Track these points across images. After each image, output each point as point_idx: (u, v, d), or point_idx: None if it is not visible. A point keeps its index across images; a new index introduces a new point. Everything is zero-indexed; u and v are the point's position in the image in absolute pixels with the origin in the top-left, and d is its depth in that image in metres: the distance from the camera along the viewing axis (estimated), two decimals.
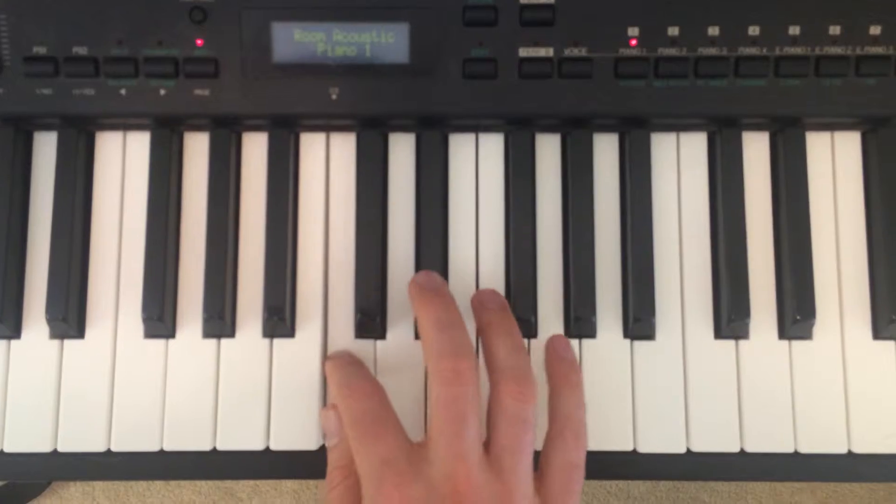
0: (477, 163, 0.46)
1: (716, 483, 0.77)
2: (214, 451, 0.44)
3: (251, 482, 0.78)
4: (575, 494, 0.39)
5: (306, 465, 0.44)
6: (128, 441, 0.44)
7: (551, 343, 0.43)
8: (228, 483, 0.77)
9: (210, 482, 0.77)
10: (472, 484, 0.36)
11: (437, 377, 0.38)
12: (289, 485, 0.78)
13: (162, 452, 0.44)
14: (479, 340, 0.42)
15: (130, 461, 0.44)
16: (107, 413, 0.44)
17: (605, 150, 0.46)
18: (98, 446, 0.44)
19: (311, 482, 0.78)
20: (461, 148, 0.46)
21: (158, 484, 0.76)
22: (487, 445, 0.39)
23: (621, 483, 0.73)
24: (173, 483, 0.76)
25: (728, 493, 0.78)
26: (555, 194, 0.46)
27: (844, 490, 0.79)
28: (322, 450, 0.44)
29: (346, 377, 0.42)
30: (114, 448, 0.44)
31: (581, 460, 0.40)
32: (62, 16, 0.44)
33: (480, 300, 0.43)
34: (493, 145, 0.46)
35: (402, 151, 0.46)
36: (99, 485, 0.74)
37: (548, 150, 0.46)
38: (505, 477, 0.37)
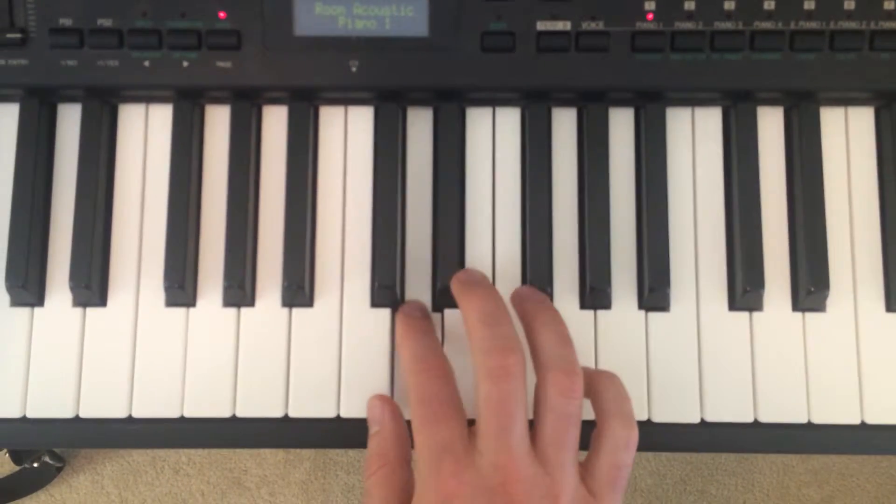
0: (494, 136, 0.47)
1: (723, 476, 0.77)
2: (234, 418, 0.45)
3: (260, 472, 0.79)
4: (619, 490, 0.39)
5: (325, 433, 0.45)
6: (148, 407, 0.45)
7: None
8: (237, 473, 0.78)
9: (219, 472, 0.77)
10: (520, 477, 0.37)
11: (486, 374, 0.38)
12: (297, 475, 0.79)
13: (182, 419, 0.45)
14: (525, 331, 0.42)
15: (151, 428, 0.45)
16: (128, 380, 0.45)
17: (621, 124, 0.47)
18: (119, 413, 0.45)
19: (320, 473, 0.79)
20: (478, 121, 0.47)
21: (167, 473, 0.77)
22: (534, 437, 0.39)
23: (630, 475, 0.74)
24: (182, 472, 0.77)
25: (735, 486, 0.78)
26: (571, 167, 0.46)
27: (851, 484, 0.79)
28: (339, 418, 0.45)
29: (422, 350, 0.42)
30: (135, 414, 0.45)
31: (629, 461, 0.40)
32: None
33: (521, 295, 0.44)
34: (509, 119, 0.47)
35: (419, 125, 0.47)
36: (108, 472, 0.75)
37: (564, 124, 0.47)
38: (551, 470, 0.38)
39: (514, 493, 0.36)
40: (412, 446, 0.41)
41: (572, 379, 0.39)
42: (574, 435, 0.39)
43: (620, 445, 0.39)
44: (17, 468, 0.71)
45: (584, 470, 0.39)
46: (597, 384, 0.41)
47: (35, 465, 0.72)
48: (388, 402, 0.44)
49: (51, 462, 0.72)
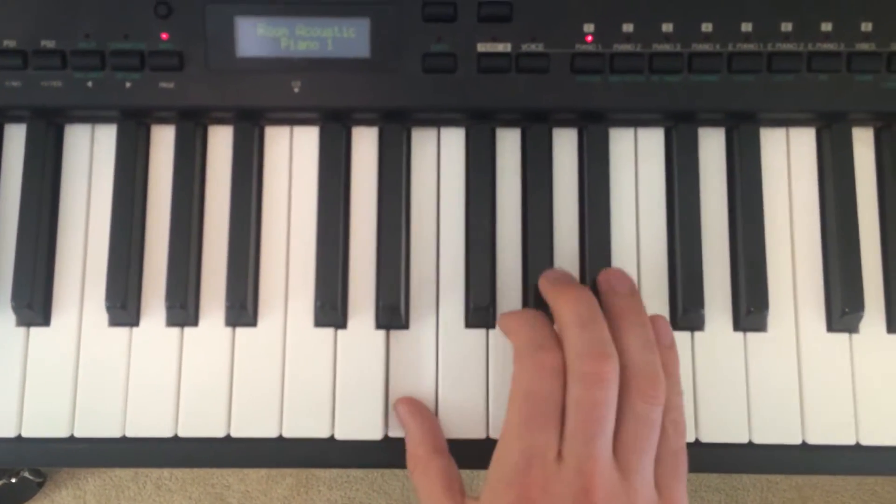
0: (439, 156, 0.47)
1: (706, 492, 0.77)
2: (176, 438, 0.45)
3: (242, 488, 0.78)
4: (682, 479, 0.40)
5: (267, 453, 0.45)
6: (91, 427, 0.45)
7: (654, 329, 0.41)
8: (219, 489, 0.78)
9: (201, 488, 0.77)
10: (601, 482, 0.37)
11: (580, 378, 0.38)
12: (279, 491, 0.78)
13: (124, 439, 0.45)
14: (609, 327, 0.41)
15: (93, 448, 0.45)
16: (71, 399, 0.45)
17: (565, 145, 0.47)
18: (62, 432, 0.45)
19: (302, 489, 0.78)
20: (423, 141, 0.47)
21: (149, 488, 0.77)
22: (614, 441, 0.39)
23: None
24: (164, 488, 0.77)
25: (719, 502, 0.78)
26: (515, 188, 0.47)
27: (836, 501, 0.79)
28: (281, 439, 0.45)
29: (541, 338, 0.40)
30: (77, 434, 0.45)
31: (683, 445, 0.40)
32: (31, 9, 0.45)
33: (610, 283, 0.43)
34: (454, 139, 0.47)
35: (364, 145, 0.47)
36: (90, 488, 0.75)
37: (508, 145, 0.47)
38: (631, 477, 0.38)
39: (594, 500, 0.37)
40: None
41: (657, 386, 0.39)
42: (654, 440, 0.39)
43: (671, 434, 0.40)
44: None
45: None
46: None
47: (13, 480, 0.71)
48: (408, 400, 0.44)
49: (31, 478, 0.72)
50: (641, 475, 0.38)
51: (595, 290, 0.43)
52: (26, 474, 0.72)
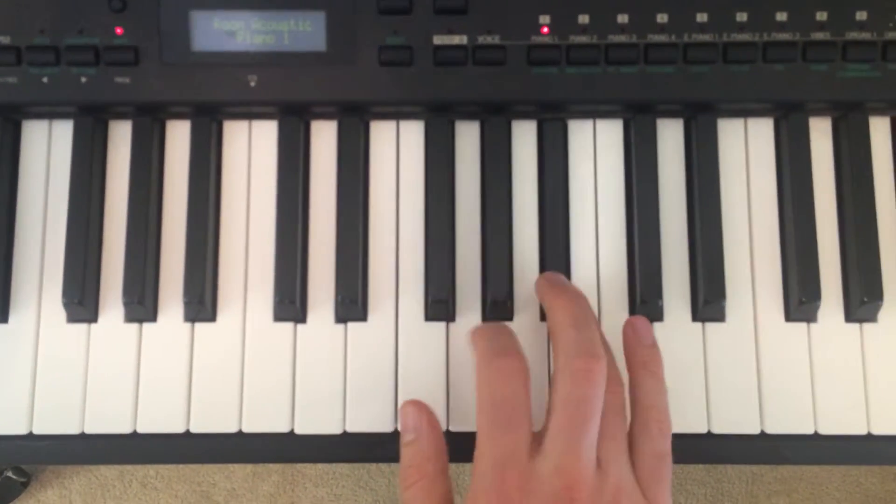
0: (398, 150, 0.47)
1: (692, 485, 0.78)
2: (135, 434, 0.45)
3: (228, 485, 0.78)
4: (665, 482, 0.40)
5: (227, 448, 0.45)
6: (50, 424, 0.44)
7: (633, 328, 0.43)
8: (205, 486, 0.78)
9: (186, 486, 0.77)
10: (583, 480, 0.37)
11: (569, 375, 0.38)
12: (265, 488, 0.78)
13: (83, 435, 0.45)
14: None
15: (52, 445, 0.45)
16: (29, 396, 0.45)
17: (524, 137, 0.47)
18: (20, 429, 0.44)
19: (288, 486, 0.78)
20: (382, 135, 0.47)
21: (135, 487, 0.77)
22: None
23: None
24: (149, 486, 0.77)
25: (704, 496, 0.78)
26: (474, 180, 0.47)
27: (820, 492, 0.79)
28: (241, 434, 0.45)
29: (499, 348, 0.40)
30: (35, 431, 0.44)
31: (668, 448, 0.40)
32: None
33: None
34: (413, 132, 0.47)
35: (323, 139, 0.47)
36: (75, 487, 0.75)
37: (467, 137, 0.47)
38: (606, 467, 0.38)
39: (578, 499, 0.36)
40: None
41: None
42: (623, 425, 0.39)
43: (655, 434, 0.40)
44: None
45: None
46: (635, 376, 0.41)
47: None
48: (425, 408, 0.42)
49: (14, 477, 0.72)
50: (619, 463, 0.38)
51: None
52: (10, 474, 0.71)
